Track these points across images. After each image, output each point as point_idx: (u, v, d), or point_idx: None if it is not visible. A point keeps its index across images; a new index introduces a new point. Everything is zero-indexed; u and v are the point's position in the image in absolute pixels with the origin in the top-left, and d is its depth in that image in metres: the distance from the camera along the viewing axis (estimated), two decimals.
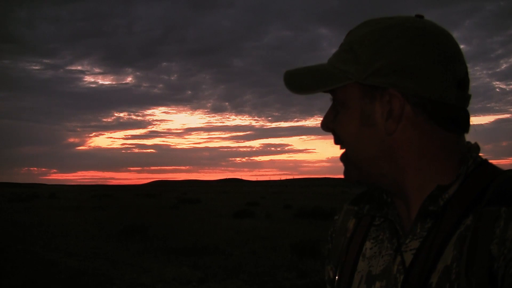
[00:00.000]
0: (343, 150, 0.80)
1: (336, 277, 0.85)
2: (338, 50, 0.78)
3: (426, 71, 0.70)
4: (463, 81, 0.73)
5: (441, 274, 0.66)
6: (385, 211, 0.79)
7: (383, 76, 0.70)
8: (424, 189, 0.73)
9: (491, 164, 0.74)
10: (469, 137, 0.77)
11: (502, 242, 0.61)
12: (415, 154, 0.73)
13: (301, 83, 0.79)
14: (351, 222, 0.87)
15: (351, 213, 0.89)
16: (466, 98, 0.74)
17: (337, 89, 0.76)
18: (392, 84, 0.70)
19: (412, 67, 0.70)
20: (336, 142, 0.80)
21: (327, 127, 0.80)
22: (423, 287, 0.67)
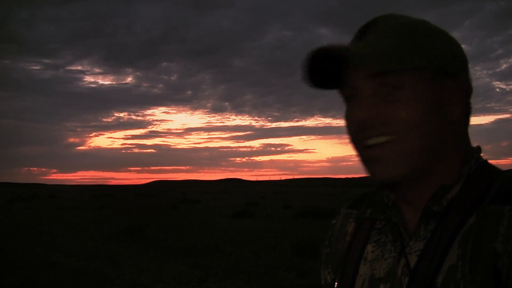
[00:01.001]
0: (381, 140, 0.70)
1: (336, 282, 0.84)
2: (383, 35, 0.70)
3: (468, 69, 0.75)
4: None
5: (446, 274, 0.66)
6: (388, 214, 0.78)
7: (455, 63, 0.73)
8: (432, 188, 0.72)
9: (492, 165, 0.74)
10: (470, 136, 0.77)
11: (507, 240, 0.61)
12: (453, 148, 0.73)
13: (383, 56, 0.67)
14: (350, 226, 0.86)
15: (350, 216, 0.87)
16: None
17: (401, 70, 0.69)
18: (462, 73, 0.73)
19: (464, 62, 0.74)
20: (385, 131, 0.69)
21: (371, 115, 0.69)
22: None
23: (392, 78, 0.69)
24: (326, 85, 0.76)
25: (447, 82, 0.71)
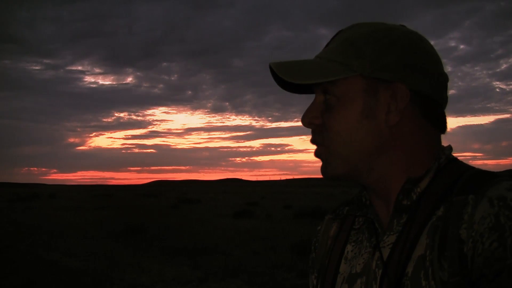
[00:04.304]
0: (320, 147, 0.79)
1: (319, 283, 0.88)
2: (333, 46, 0.79)
3: (429, 71, 0.76)
4: (447, 84, 0.80)
5: (416, 263, 0.69)
6: (365, 211, 0.82)
7: (391, 71, 0.74)
8: (401, 183, 0.76)
9: (462, 162, 0.78)
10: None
11: (470, 225, 0.65)
12: (408, 148, 0.76)
13: (301, 72, 0.76)
14: (332, 230, 0.91)
15: (332, 221, 0.92)
16: (447, 100, 0.81)
17: (335, 82, 0.76)
18: (399, 79, 0.74)
19: (419, 66, 0.75)
20: (316, 140, 0.79)
21: (312, 122, 0.79)
22: (400, 277, 0.70)
23: (335, 89, 0.76)
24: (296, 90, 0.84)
25: (383, 90, 0.75)
